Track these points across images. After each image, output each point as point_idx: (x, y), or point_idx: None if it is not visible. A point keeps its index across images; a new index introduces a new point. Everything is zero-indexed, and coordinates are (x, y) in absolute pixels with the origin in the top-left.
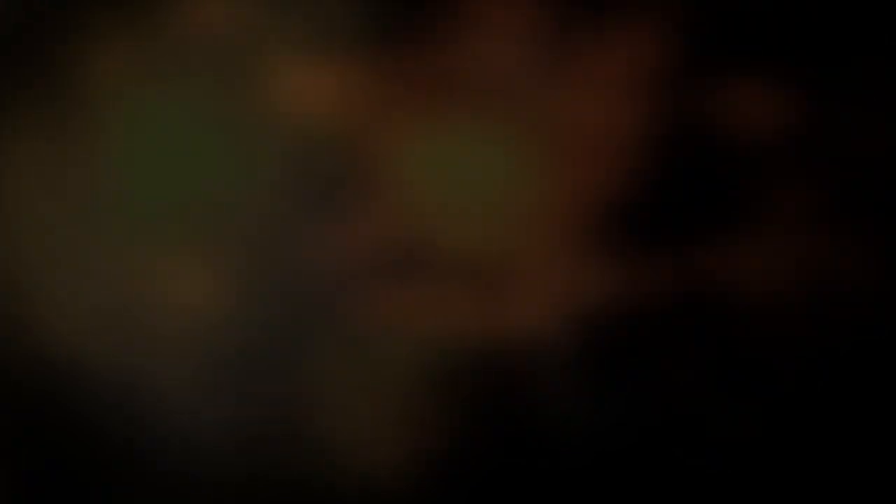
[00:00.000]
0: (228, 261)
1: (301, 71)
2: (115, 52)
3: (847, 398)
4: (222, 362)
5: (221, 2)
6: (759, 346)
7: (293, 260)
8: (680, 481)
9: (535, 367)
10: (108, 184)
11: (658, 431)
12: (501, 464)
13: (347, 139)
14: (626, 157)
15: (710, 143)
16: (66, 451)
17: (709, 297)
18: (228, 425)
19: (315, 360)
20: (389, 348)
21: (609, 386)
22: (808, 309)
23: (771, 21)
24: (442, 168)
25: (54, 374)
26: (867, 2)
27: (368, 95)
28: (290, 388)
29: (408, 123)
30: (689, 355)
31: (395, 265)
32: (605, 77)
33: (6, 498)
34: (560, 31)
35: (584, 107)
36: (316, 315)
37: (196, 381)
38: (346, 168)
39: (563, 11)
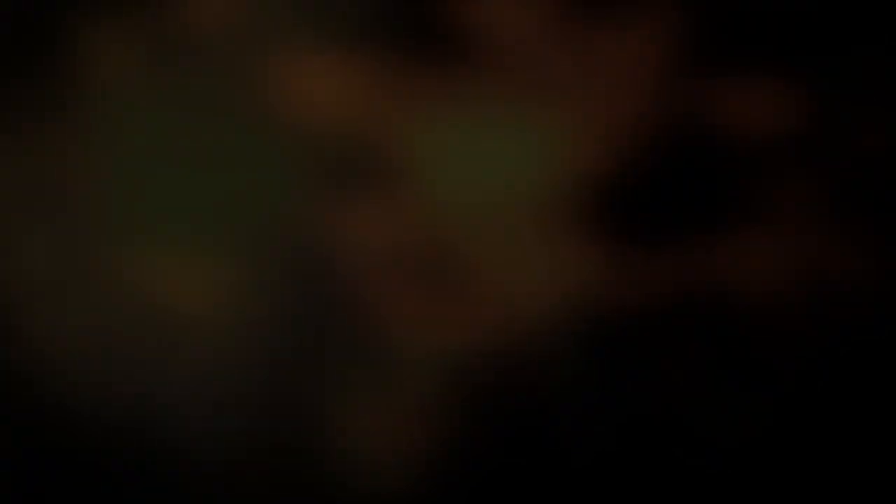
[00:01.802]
0: (236, 262)
1: (307, 65)
2: (117, 49)
3: (847, 398)
4: (228, 364)
5: None
6: (759, 346)
7: (300, 260)
8: (680, 480)
9: (536, 365)
10: (110, 184)
11: (658, 430)
12: (501, 463)
13: (353, 133)
14: (628, 157)
15: (712, 144)
16: (69, 454)
17: (709, 296)
18: (232, 426)
19: (320, 361)
20: (395, 350)
21: (610, 384)
22: (808, 309)
23: (773, 22)
24: (449, 164)
25: (57, 377)
26: (868, 3)
27: (376, 90)
28: (294, 390)
29: (414, 117)
30: (689, 355)
31: (399, 265)
32: (607, 78)
33: (9, 499)
34: (567, 29)
35: (587, 107)
36: (322, 315)
37: (202, 381)
38: (355, 164)
39: (569, 10)
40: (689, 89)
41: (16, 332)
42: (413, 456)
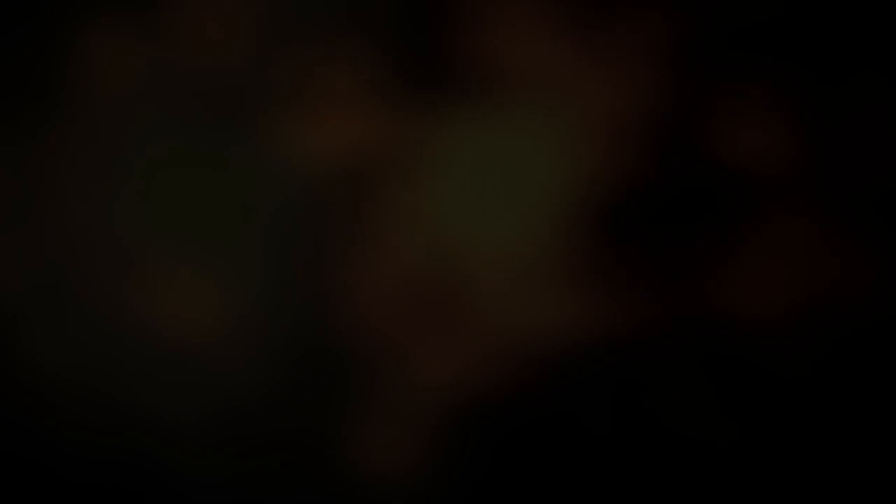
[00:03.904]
0: (240, 285)
1: (311, 84)
2: (121, 58)
3: (847, 401)
4: (231, 387)
5: (225, 20)
6: (758, 363)
7: (307, 284)
8: (679, 488)
9: (539, 378)
10: (112, 200)
11: (657, 439)
12: (503, 483)
13: (359, 157)
14: (630, 179)
15: (712, 165)
16: (66, 469)
17: (708, 315)
18: (234, 445)
19: (323, 385)
20: (399, 374)
21: (611, 406)
22: (807, 326)
23: (774, 34)
24: (452, 190)
25: (56, 393)
26: (866, 26)
27: (382, 113)
28: (297, 416)
29: (416, 141)
30: (689, 374)
31: (404, 292)
32: (608, 96)
33: None
34: (571, 48)
35: (590, 123)
36: (327, 341)
37: (205, 403)
38: (361, 188)
39: (570, 30)
40: (688, 114)
41: (15, 347)
42: (415, 480)
